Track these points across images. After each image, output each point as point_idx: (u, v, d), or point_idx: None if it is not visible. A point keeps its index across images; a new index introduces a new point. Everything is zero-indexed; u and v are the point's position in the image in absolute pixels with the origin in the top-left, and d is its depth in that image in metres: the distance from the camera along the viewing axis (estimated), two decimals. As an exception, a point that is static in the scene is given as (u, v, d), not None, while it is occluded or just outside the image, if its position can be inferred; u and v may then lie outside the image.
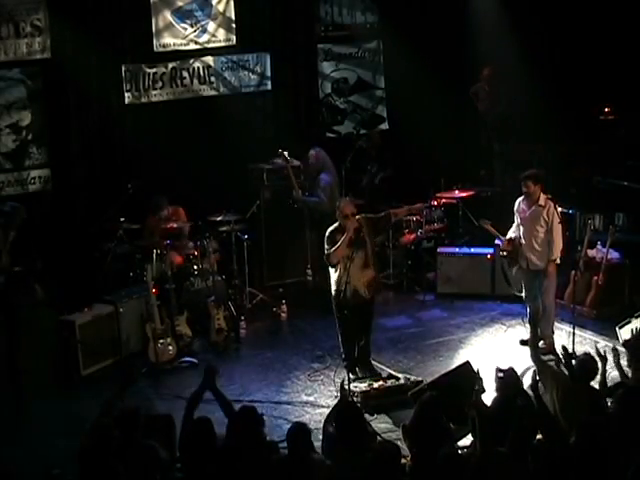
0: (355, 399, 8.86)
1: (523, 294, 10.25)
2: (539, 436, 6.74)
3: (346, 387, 9.01)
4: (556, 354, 9.56)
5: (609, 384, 7.92)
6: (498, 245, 11.02)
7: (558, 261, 9.98)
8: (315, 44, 13.67)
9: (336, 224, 9.41)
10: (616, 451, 6.22)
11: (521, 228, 10.09)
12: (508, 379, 7.35)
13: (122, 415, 6.68)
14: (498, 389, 7.47)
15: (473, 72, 14.05)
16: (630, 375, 8.06)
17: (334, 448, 6.69)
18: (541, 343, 10.09)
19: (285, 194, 12.01)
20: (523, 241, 10.05)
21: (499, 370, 7.51)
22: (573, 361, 7.80)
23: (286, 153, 11.62)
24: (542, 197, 9.88)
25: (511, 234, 10.27)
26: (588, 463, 6.12)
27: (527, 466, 6.37)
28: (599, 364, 7.61)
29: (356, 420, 6.67)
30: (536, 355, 9.83)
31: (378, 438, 7.81)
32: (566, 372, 7.80)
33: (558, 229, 9.87)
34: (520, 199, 10.10)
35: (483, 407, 7.06)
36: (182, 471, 6.78)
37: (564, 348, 8.06)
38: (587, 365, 7.49)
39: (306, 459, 6.33)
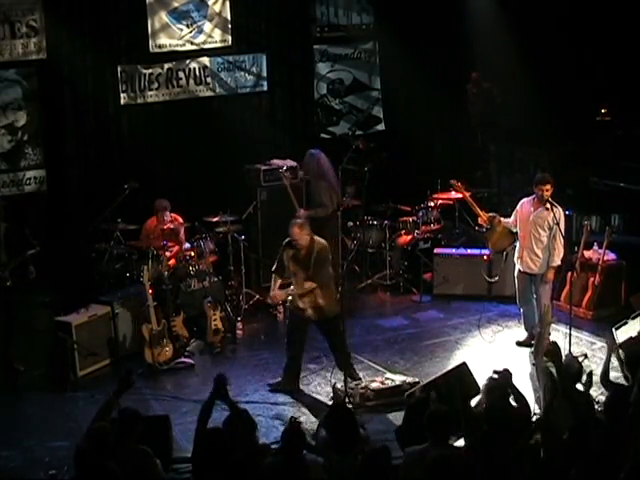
0: (351, 400, 8.86)
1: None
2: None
3: (338, 388, 9.04)
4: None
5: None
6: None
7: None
8: (311, 45, 13.65)
9: (289, 238, 9.42)
10: (606, 453, 6.23)
11: (520, 230, 10.05)
12: (503, 380, 7.33)
13: (122, 417, 6.66)
14: (493, 390, 7.46)
15: (469, 73, 14.06)
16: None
17: (326, 450, 6.66)
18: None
19: (282, 194, 11.99)
20: (523, 242, 10.00)
21: (494, 372, 7.50)
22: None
23: (287, 173, 11.54)
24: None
25: (496, 214, 10.24)
26: (580, 464, 6.13)
27: (523, 466, 6.38)
28: (584, 366, 7.63)
29: (347, 423, 6.64)
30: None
31: (372, 439, 7.80)
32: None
33: (561, 235, 9.81)
34: (525, 200, 10.02)
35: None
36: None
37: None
38: (571, 369, 7.46)
39: (300, 459, 6.32)
